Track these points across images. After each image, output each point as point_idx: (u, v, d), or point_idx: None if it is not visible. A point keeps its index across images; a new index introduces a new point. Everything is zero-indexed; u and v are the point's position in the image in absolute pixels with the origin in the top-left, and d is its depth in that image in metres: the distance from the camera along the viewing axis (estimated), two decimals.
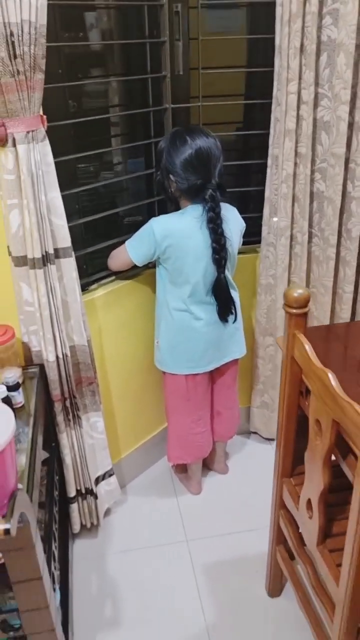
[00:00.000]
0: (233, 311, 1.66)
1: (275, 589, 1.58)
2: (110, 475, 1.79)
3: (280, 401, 1.29)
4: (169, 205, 1.67)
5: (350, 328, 1.46)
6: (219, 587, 1.62)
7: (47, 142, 1.29)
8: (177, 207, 1.62)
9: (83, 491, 1.71)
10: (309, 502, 1.19)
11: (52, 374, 1.48)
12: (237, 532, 1.80)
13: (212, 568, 1.68)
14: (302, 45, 1.53)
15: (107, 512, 1.88)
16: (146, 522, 1.86)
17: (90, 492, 1.72)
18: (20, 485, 1.03)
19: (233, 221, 1.61)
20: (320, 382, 1.04)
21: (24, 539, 1.04)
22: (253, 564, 1.68)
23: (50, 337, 1.44)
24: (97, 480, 1.75)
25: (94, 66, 1.61)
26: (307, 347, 1.11)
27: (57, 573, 1.40)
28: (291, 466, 1.37)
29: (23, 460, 1.19)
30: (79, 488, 1.70)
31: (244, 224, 1.67)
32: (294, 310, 1.15)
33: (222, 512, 1.88)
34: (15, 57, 1.15)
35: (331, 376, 1.00)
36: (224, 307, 1.64)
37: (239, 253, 1.78)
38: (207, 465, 2.04)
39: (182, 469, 2.03)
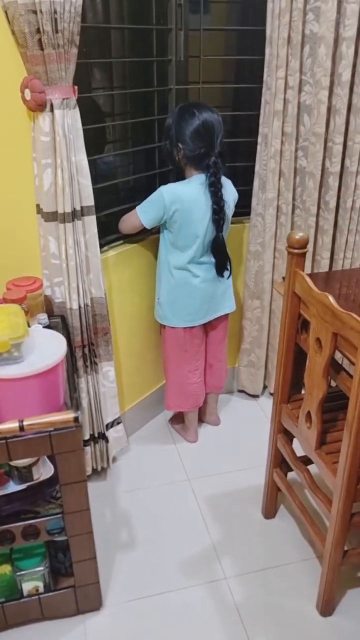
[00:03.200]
0: (228, 267, 1.88)
1: (270, 511, 1.80)
2: (119, 423, 1.96)
3: (280, 334, 1.51)
4: (173, 174, 1.88)
5: (329, 275, 1.71)
6: (220, 513, 1.83)
7: (77, 110, 1.47)
8: (181, 177, 1.83)
9: (96, 435, 1.88)
10: (308, 415, 1.42)
11: (74, 321, 1.66)
12: (232, 471, 2.01)
13: (213, 499, 1.89)
14: (289, 36, 1.78)
15: (114, 460, 2.05)
16: (150, 466, 2.04)
17: (102, 436, 1.89)
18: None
19: (229, 189, 1.84)
20: (321, 304, 1.26)
21: (75, 441, 1.21)
22: (249, 495, 1.89)
23: (75, 286, 1.61)
24: (107, 427, 1.92)
25: (110, 50, 1.80)
26: (307, 279, 1.34)
27: None
28: (288, 395, 1.59)
29: None
30: (92, 432, 1.87)
31: (237, 195, 1.90)
32: (296, 251, 1.37)
33: (218, 456, 2.09)
34: (57, 31, 1.33)
35: (330, 297, 1.23)
36: (221, 263, 1.86)
37: (233, 223, 2.00)
38: (200, 417, 2.24)
39: (178, 421, 2.23)
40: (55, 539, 1.37)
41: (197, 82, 1.92)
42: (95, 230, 1.62)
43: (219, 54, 2.03)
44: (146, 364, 2.18)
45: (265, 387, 2.45)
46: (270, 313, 2.24)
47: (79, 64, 1.46)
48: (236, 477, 1.99)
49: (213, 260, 1.86)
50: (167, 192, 1.73)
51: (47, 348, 1.22)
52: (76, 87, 1.46)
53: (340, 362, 1.46)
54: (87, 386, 1.78)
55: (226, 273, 1.89)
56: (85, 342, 1.72)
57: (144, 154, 1.99)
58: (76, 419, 1.09)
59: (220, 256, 1.85)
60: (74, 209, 1.54)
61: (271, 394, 2.43)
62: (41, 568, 1.43)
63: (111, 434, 1.95)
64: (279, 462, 1.69)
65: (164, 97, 1.91)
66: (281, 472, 1.70)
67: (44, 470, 1.40)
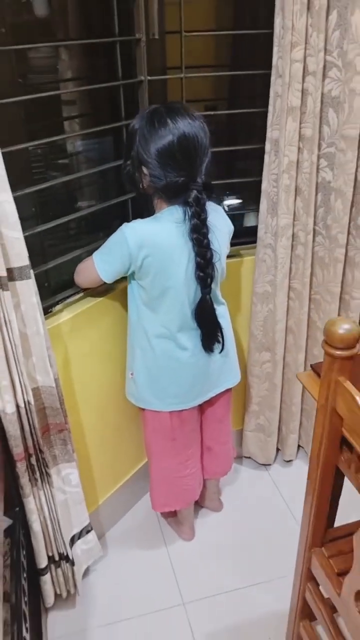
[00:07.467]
0: (220, 339, 1.36)
1: None
2: (88, 531, 1.48)
3: (312, 459, 1.01)
4: (144, 203, 1.34)
5: None
6: None
7: None
8: (151, 206, 1.30)
9: (56, 558, 1.40)
10: (358, 594, 0.93)
11: (12, 429, 1.15)
12: (241, 587, 1.53)
13: (217, 636, 1.41)
14: None
15: (86, 572, 1.57)
16: (132, 581, 1.56)
17: (64, 557, 1.41)
18: None
19: (221, 228, 1.29)
20: None
21: None
22: (264, 628, 1.42)
23: (7, 383, 1.10)
24: (73, 540, 1.44)
25: (47, 27, 1.25)
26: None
27: None
28: (322, 534, 1.10)
29: None
30: (51, 554, 1.38)
31: (232, 227, 1.37)
32: (339, 352, 0.86)
33: (222, 562, 1.61)
34: None
35: None
36: (209, 335, 1.33)
37: (228, 257, 1.48)
38: (197, 502, 1.75)
39: (170, 512, 1.74)
40: None
41: (178, 69, 1.37)
42: (35, 298, 1.11)
43: (207, 29, 1.48)
44: (124, 442, 1.68)
45: (278, 450, 1.96)
46: (283, 367, 1.74)
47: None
48: (247, 596, 1.51)
49: None
50: (132, 234, 1.20)
51: None
52: None
53: None
54: (38, 504, 1.29)
55: (217, 347, 1.37)
56: (31, 451, 1.23)
57: (111, 173, 1.45)
58: None
59: (208, 325, 1.31)
60: None
61: (286, 461, 1.94)
62: None
63: (79, 547, 1.46)
64: (308, 614, 1.21)
65: (132, 93, 1.36)
66: (310, 627, 1.21)
67: None
